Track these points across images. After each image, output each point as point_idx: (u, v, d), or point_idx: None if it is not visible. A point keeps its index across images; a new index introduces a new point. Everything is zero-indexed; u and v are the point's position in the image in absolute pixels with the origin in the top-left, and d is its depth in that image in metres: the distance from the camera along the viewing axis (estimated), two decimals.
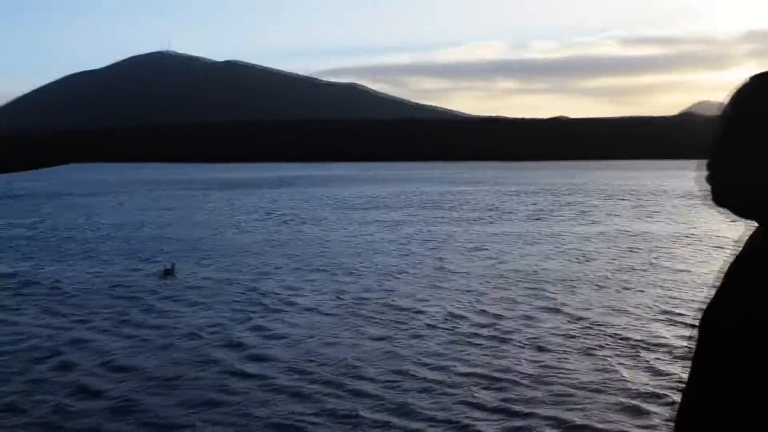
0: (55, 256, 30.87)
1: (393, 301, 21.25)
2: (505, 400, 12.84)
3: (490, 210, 52.56)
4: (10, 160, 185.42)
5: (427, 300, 21.34)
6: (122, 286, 23.95)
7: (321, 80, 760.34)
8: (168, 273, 25.60)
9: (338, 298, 21.87)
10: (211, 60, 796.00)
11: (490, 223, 43.53)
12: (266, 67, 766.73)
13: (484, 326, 18.14)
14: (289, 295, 22.26)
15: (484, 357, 15.49)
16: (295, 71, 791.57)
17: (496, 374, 14.24)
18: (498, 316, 19.16)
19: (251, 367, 14.89)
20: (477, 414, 12.23)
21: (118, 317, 19.58)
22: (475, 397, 13.03)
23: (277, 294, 22.39)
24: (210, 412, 12.41)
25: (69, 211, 54.45)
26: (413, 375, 14.25)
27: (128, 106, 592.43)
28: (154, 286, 24.01)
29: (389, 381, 13.89)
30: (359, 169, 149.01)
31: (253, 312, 19.99)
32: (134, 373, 14.64)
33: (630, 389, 13.29)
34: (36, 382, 14.04)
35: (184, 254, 31.01)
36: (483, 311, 19.80)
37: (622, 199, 62.23)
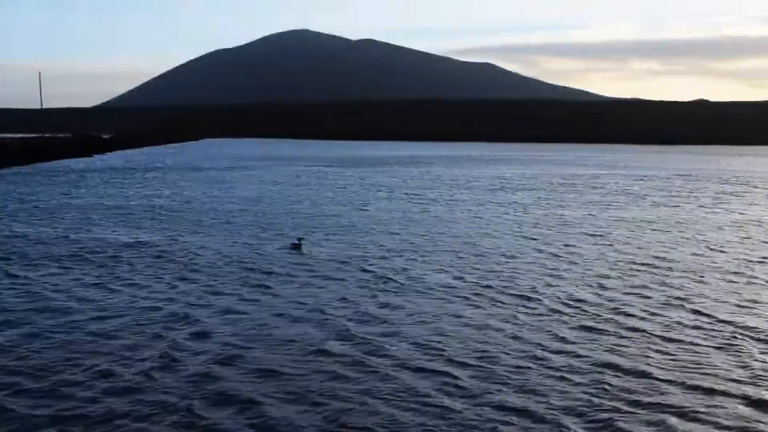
0: (190, 228, 32.16)
1: (518, 283, 21.18)
2: (633, 391, 12.63)
3: (621, 194, 51.22)
4: (152, 134, 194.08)
5: (552, 284, 21.17)
6: (253, 258, 24.82)
7: (456, 59, 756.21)
8: (296, 247, 26.45)
9: (463, 278, 21.93)
10: (348, 38, 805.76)
11: (620, 207, 42.44)
12: (402, 46, 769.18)
13: (609, 313, 17.86)
14: (414, 273, 22.47)
15: (611, 345, 15.25)
16: (431, 50, 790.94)
17: (624, 364, 14.03)
18: (624, 304, 18.82)
19: (379, 342, 15.18)
20: (609, 403, 12.07)
21: (248, 288, 20.30)
22: (605, 385, 12.88)
23: (402, 271, 22.66)
24: (339, 386, 12.75)
25: (205, 185, 56.74)
26: (540, 359, 14.23)
27: (267, 84, 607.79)
28: (284, 259, 24.71)
29: (517, 365, 13.87)
30: (491, 149, 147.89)
31: (379, 289, 20.33)
32: (268, 343, 15.18)
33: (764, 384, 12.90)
34: (175, 348, 14.74)
35: (314, 229, 31.80)
36: (609, 298, 19.48)
37: (761, 188, 59.26)
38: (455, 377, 13.24)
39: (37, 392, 12.32)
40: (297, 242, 26.82)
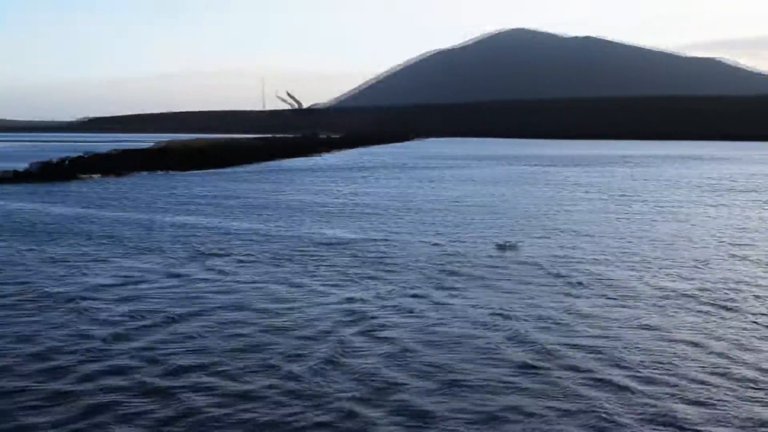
0: (394, 226, 32.83)
1: (713, 292, 19.78)
2: None
3: None
4: (374, 134, 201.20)
5: (753, 294, 19.55)
6: (452, 259, 24.80)
7: (680, 55, 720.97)
8: (505, 247, 26.51)
9: (656, 284, 20.77)
10: (564, 36, 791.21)
11: None
12: (621, 42, 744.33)
13: None
14: (606, 279, 21.55)
15: None
16: (652, 46, 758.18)
17: None
18: None
19: (553, 347, 14.63)
20: None
21: (437, 288, 20.26)
22: None
23: (595, 276, 21.80)
24: (501, 388, 12.48)
25: (416, 183, 58.23)
26: (725, 375, 13.30)
27: (482, 84, 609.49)
28: (483, 260, 24.56)
29: (700, 380, 13.07)
30: (714, 147, 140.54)
31: (568, 293, 19.72)
32: (438, 344, 15.05)
33: None
34: (344, 345, 14.96)
35: (523, 229, 31.74)
36: None
37: None
38: (630, 390, 12.58)
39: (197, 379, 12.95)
40: (503, 244, 26.96)
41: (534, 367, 13.69)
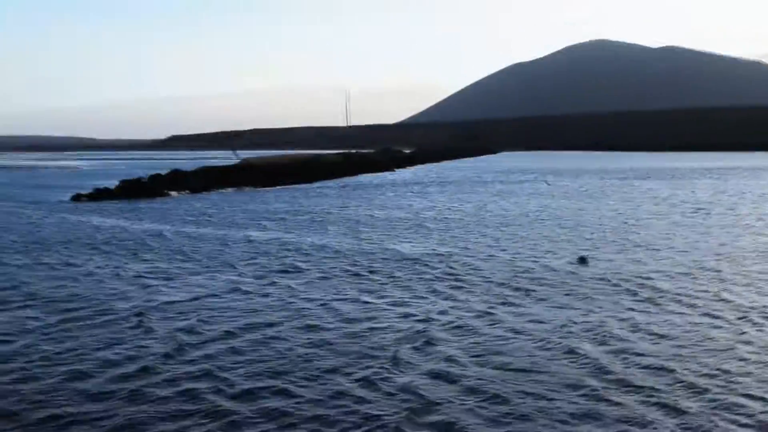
0: (467, 236, 32.63)
1: None
2: None
3: None
4: (449, 149, 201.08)
5: None
6: (532, 271, 24.73)
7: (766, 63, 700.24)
8: (582, 261, 26.17)
9: (739, 304, 19.85)
10: (648, 46, 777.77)
11: None
12: (706, 51, 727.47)
13: None
14: (680, 295, 20.94)
15: None
16: (740, 55, 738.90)
17: None
18: None
19: (606, 362, 14.29)
20: None
21: (498, 302, 20.04)
22: None
23: (668, 294, 21.15)
24: (547, 406, 12.19)
25: (490, 196, 57.88)
26: None
27: (566, 96, 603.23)
28: (566, 273, 24.34)
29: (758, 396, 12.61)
30: None
31: (637, 308, 19.23)
32: (484, 359, 14.77)
33: None
34: (395, 361, 14.87)
35: (600, 243, 31.18)
36: None
37: None
38: (676, 408, 12.29)
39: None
40: (578, 258, 26.62)
41: (598, 389, 13.26)
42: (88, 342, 16.44)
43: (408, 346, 16.03)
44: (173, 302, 20.55)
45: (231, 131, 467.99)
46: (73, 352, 15.68)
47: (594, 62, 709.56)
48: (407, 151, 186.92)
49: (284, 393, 13.16)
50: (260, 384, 13.62)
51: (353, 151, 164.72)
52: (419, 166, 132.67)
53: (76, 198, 59.99)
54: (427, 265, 26.39)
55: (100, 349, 15.94)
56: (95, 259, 28.39)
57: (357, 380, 13.80)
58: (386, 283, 23.10)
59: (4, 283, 23.61)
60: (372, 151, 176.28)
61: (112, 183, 66.84)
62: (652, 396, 12.84)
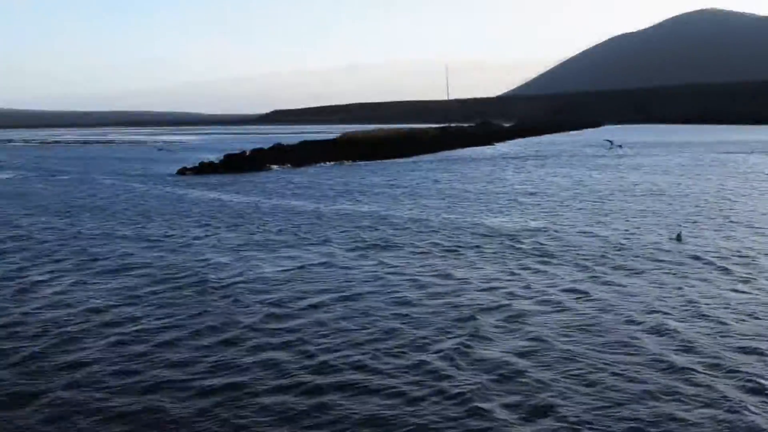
0: (562, 211, 32.09)
1: None
2: None
3: None
4: (550, 123, 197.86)
5: None
6: (624, 247, 24.21)
7: None
8: (678, 238, 25.56)
9: None
10: (757, 15, 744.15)
11: None
12: None
13: None
14: None
15: None
16: None
17: None
18: None
19: (694, 340, 13.85)
20: None
21: (584, 278, 19.67)
22: None
23: (762, 274, 20.45)
24: (626, 386, 11.93)
25: (588, 170, 56.60)
26: None
27: (670, 68, 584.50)
28: (660, 250, 23.77)
29: None
30: None
31: (727, 287, 18.61)
32: (572, 336, 14.55)
33: None
34: (476, 335, 14.82)
35: (700, 219, 30.49)
36: None
37: None
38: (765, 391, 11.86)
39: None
40: (678, 234, 25.95)
41: (687, 369, 12.90)
42: (179, 312, 17.01)
43: (493, 319, 15.99)
44: (265, 274, 20.95)
45: (333, 105, 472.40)
46: (164, 320, 16.28)
47: (701, 32, 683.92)
48: (507, 125, 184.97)
49: (363, 367, 13.29)
50: (339, 356, 13.81)
51: (452, 125, 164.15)
52: (519, 140, 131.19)
53: (182, 171, 61.97)
54: (519, 239, 26.12)
55: (190, 317, 16.48)
56: (194, 231, 29.27)
57: (439, 353, 13.81)
58: (476, 258, 22.97)
59: (107, 253, 24.61)
60: (471, 125, 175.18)
61: (215, 157, 68.56)
62: (741, 377, 12.42)
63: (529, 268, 21.35)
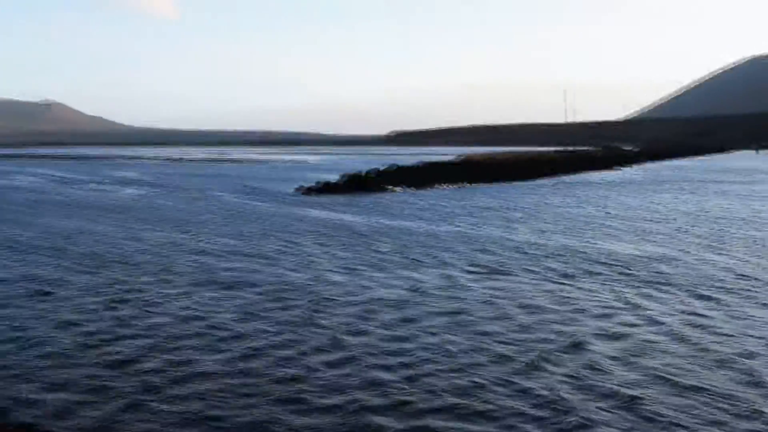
0: (683, 239, 30.99)
1: None
2: None
3: None
4: (678, 147, 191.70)
5: None
6: (744, 278, 23.30)
7: None
8: None
9: None
10: None
11: None
12: None
13: None
14: None
15: None
16: None
17: None
18: None
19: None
20: None
21: (724, 307, 18.91)
22: None
23: None
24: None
25: (716, 197, 54.96)
26: None
27: None
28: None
29: None
30: None
31: None
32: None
33: None
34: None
35: None
36: None
37: None
38: None
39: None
40: None
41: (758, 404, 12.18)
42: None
43: (609, 348, 15.55)
44: (378, 295, 21.12)
45: (451, 128, 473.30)
46: (276, 337, 16.67)
47: None
48: (630, 149, 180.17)
49: (467, 394, 13.16)
50: (443, 380, 13.77)
51: (573, 148, 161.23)
52: (647, 164, 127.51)
53: (303, 191, 63.31)
54: (636, 266, 25.47)
55: (300, 336, 16.81)
56: (311, 249, 29.83)
57: (549, 381, 13.56)
58: (593, 284, 22.48)
59: (221, 269, 25.41)
60: (592, 148, 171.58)
61: (335, 177, 69.66)
62: None
63: (647, 296, 20.76)
